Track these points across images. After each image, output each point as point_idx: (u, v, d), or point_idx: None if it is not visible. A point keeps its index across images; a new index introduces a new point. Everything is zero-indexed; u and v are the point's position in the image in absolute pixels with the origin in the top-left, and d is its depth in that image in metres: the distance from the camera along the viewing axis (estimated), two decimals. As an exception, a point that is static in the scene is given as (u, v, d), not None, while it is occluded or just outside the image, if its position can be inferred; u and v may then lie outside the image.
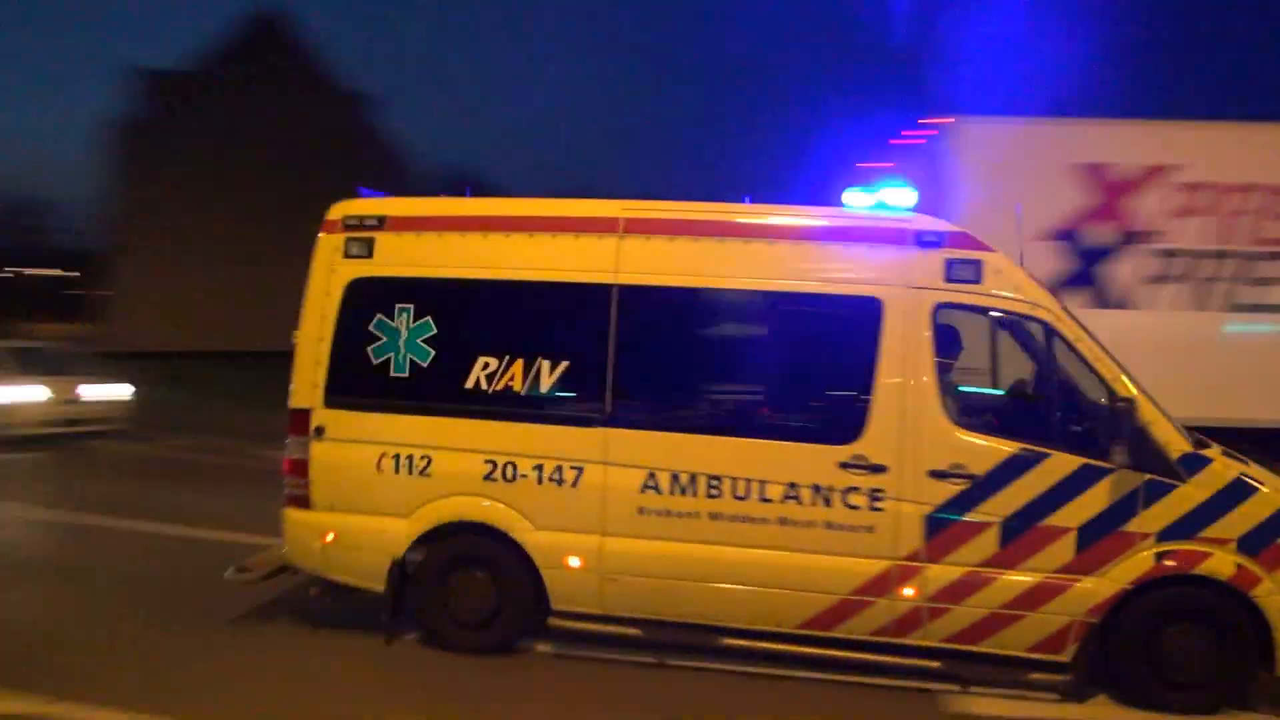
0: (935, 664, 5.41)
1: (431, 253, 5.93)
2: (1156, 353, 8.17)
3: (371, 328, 5.90)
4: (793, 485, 5.40)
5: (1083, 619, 5.20)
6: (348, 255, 5.97)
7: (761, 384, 5.74)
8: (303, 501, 5.94)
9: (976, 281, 5.40)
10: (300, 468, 5.93)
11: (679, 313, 5.73)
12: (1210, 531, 5.13)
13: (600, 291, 5.67)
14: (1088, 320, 5.72)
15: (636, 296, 5.64)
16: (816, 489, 5.38)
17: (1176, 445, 5.21)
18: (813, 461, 5.41)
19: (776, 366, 5.66)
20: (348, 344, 5.92)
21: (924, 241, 5.46)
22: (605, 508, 5.58)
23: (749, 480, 5.45)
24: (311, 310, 6.02)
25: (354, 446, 5.88)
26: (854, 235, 5.55)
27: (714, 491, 5.48)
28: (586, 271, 5.72)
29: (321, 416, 5.91)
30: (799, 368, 5.68)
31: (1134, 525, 5.17)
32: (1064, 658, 5.27)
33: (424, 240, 5.96)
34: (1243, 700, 5.24)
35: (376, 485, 5.84)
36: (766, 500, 5.43)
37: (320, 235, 6.12)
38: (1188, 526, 5.14)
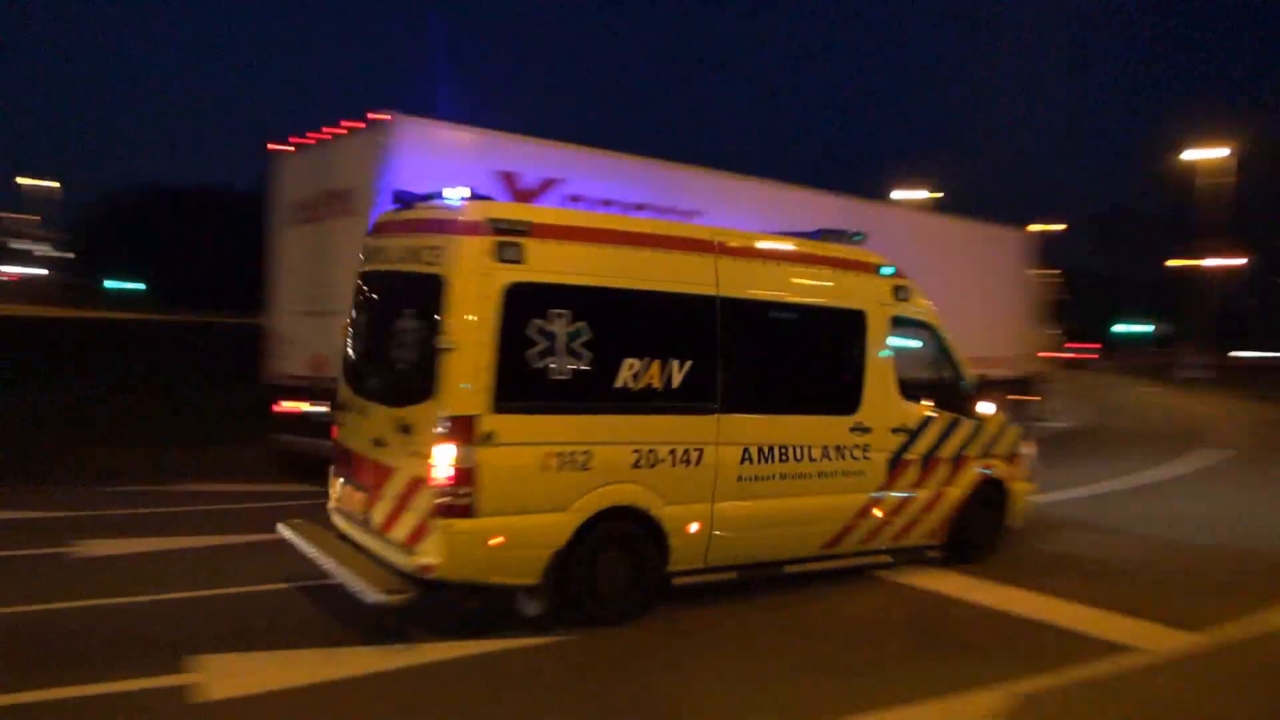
0: (888, 559, 8.03)
1: (575, 261, 6.28)
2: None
3: (530, 332, 6.03)
4: (825, 447, 7.40)
5: (950, 514, 8.32)
6: (501, 259, 5.94)
7: (809, 373, 7.55)
8: (465, 511, 5.80)
9: (907, 301, 8.04)
10: (466, 476, 5.78)
11: (760, 319, 7.15)
12: (996, 450, 8.68)
13: (709, 301, 6.81)
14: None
15: (734, 306, 6.92)
16: (838, 448, 7.48)
17: (970, 399, 8.62)
18: (837, 428, 7.48)
19: (816, 359, 7.55)
20: (510, 348, 5.95)
21: (883, 272, 7.89)
22: (716, 479, 6.82)
23: (804, 446, 7.27)
24: (467, 314, 5.84)
25: (522, 449, 5.99)
26: (852, 265, 7.71)
27: (784, 457, 7.16)
28: (697, 284, 6.79)
29: (491, 422, 5.85)
30: (827, 360, 7.64)
31: (969, 451, 8.44)
32: (940, 540, 8.35)
33: (565, 249, 6.26)
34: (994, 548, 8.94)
35: (541, 484, 6.07)
36: (813, 460, 7.33)
37: (459, 237, 5.91)
38: (988, 449, 8.61)
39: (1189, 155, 42.45)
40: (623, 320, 6.48)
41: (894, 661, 6.24)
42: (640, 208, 11.46)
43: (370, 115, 10.05)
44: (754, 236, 7.36)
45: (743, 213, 11.78)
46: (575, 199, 10.65)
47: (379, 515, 6.39)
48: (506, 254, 5.97)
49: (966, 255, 16.66)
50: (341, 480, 7.00)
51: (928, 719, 5.28)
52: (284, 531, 7.04)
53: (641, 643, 6.28)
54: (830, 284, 7.60)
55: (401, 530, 6.11)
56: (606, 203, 11.04)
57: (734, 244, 7.09)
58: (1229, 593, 8.14)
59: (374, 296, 6.91)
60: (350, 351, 7.10)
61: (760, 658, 6.17)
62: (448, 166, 9.80)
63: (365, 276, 7.02)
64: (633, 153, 12.18)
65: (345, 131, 10.62)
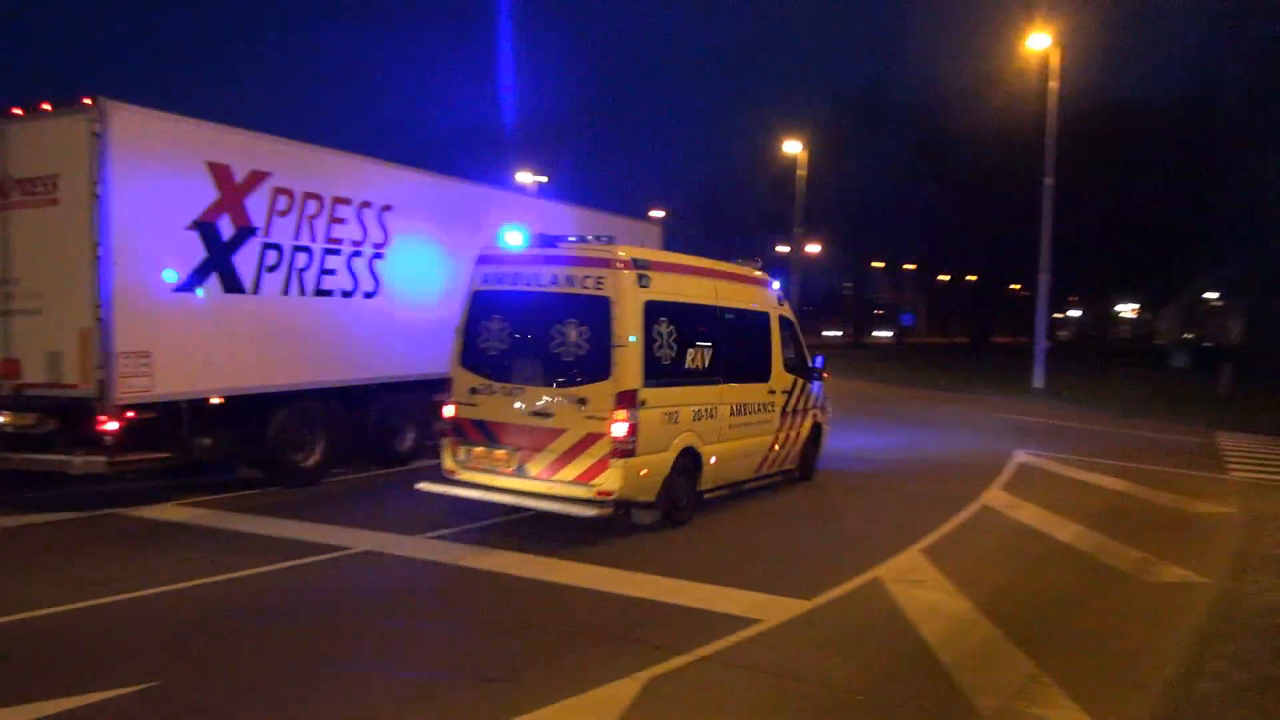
0: (777, 478, 12.08)
1: (668, 285, 9.44)
2: (270, 330, 10.87)
3: (653, 333, 9.09)
4: (757, 404, 11.25)
5: (800, 448, 12.61)
6: (640, 285, 8.94)
7: (750, 355, 11.22)
8: (632, 452, 8.76)
9: (781, 305, 12.14)
10: (633, 429, 8.76)
11: (733, 319, 10.72)
12: (818, 404, 13.13)
13: (714, 309, 10.30)
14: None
15: (723, 312, 10.48)
16: (762, 404, 11.36)
17: (817, 371, 13.00)
18: (761, 391, 11.36)
19: (751, 346, 11.27)
20: (648, 343, 8.98)
21: (772, 285, 11.91)
22: (720, 427, 10.34)
23: (750, 403, 11.04)
24: (631, 323, 8.82)
25: (654, 410, 9.06)
26: (760, 281, 11.63)
27: (744, 411, 10.87)
28: (710, 299, 10.25)
29: (644, 394, 8.86)
30: (755, 347, 11.39)
31: (809, 405, 12.78)
32: (795, 466, 12.59)
33: (664, 276, 9.39)
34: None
35: (660, 433, 9.18)
36: (754, 413, 11.12)
37: (621, 271, 8.80)
38: (817, 403, 13.04)
39: (787, 148, 46.96)
40: (688, 323, 9.74)
41: (528, 662, 5.98)
42: (341, 201, 11.85)
43: (82, 99, 9.44)
44: (728, 266, 10.97)
45: (428, 206, 12.75)
46: (283, 191, 11.03)
47: (538, 465, 8.98)
48: (643, 282, 9.00)
49: None
50: (470, 446, 9.32)
51: (567, 717, 5.19)
52: (433, 488, 9.23)
53: (232, 674, 5.75)
54: (755, 295, 11.46)
55: (572, 471, 8.83)
56: (309, 195, 11.38)
57: (720, 271, 10.67)
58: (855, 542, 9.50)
59: (515, 309, 9.32)
60: (482, 349, 9.40)
61: (399, 669, 5.87)
62: (160, 156, 9.76)
63: (496, 294, 9.39)
64: (338, 148, 12.29)
65: (24, 113, 9.85)
